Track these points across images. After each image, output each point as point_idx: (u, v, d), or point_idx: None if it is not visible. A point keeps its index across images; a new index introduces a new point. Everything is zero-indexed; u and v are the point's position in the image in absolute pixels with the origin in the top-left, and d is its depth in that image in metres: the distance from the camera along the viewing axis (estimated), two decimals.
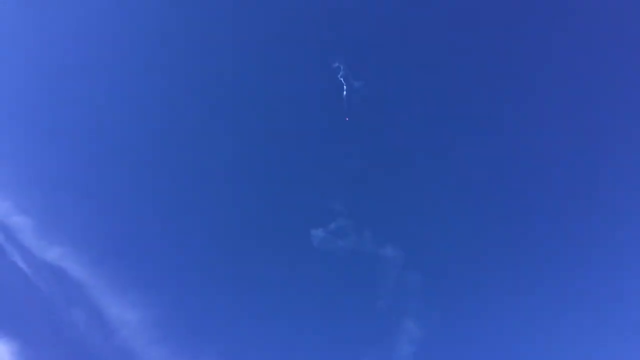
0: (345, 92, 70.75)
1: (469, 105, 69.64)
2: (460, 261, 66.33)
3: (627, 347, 60.06)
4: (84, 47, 69.74)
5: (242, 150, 69.97)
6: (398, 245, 65.86)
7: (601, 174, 66.14)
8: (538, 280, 64.79)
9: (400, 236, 66.95)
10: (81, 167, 67.18)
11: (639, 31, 66.32)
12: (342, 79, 70.96)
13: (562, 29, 68.58)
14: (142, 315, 62.44)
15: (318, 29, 72.36)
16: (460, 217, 67.56)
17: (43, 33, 69.75)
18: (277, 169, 69.84)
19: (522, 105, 68.58)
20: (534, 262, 65.20)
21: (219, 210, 68.44)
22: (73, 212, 65.01)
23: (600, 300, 62.95)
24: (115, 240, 65.28)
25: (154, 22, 72.24)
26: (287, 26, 72.41)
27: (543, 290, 64.36)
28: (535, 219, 66.58)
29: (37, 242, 63.59)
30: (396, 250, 65.62)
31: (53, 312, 62.36)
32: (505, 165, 68.35)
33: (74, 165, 67.32)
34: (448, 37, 70.85)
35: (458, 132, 69.29)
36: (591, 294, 63.32)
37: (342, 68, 70.58)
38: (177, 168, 68.64)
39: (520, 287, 64.64)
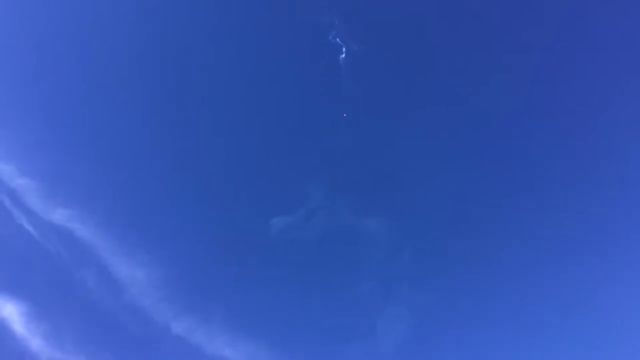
0: (343, 55, 71.44)
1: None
2: (450, 238, 66.58)
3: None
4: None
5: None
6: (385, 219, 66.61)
7: (597, 170, 65.94)
8: (536, 261, 64.20)
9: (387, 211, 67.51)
10: (85, 128, 67.74)
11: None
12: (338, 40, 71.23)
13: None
14: (150, 273, 63.55)
15: None
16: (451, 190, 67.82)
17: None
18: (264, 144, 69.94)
19: (526, 61, 68.66)
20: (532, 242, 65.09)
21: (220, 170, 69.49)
22: (78, 173, 65.60)
23: (597, 289, 62.46)
24: (122, 201, 66.18)
25: None
26: None
27: (540, 270, 64.01)
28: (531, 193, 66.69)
29: (43, 204, 64.21)
30: (381, 224, 66.23)
31: (61, 273, 63.11)
32: (500, 137, 68.75)
33: (78, 127, 67.85)
34: None
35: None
36: (585, 280, 63.15)
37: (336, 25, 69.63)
38: (182, 129, 69.36)
39: (517, 272, 64.21)
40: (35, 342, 59.58)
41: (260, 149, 69.28)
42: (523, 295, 62.93)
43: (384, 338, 61.36)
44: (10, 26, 69.05)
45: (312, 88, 70.93)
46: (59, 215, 64.08)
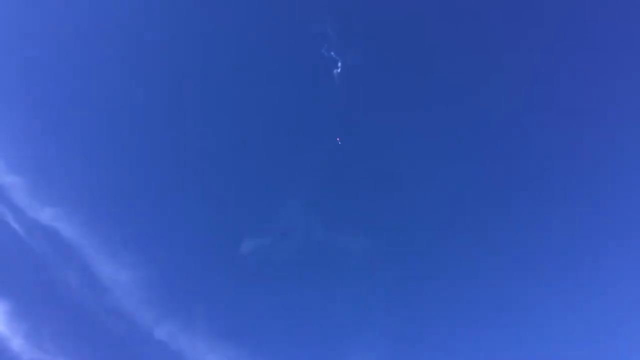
0: (339, 69, 70.69)
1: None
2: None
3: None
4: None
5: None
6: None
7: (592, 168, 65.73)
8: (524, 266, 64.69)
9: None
10: (73, 126, 67.17)
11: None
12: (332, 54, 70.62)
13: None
14: (134, 275, 63.33)
15: None
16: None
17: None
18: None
19: (523, 62, 68.02)
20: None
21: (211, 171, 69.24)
22: (66, 172, 65.09)
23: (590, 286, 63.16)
24: (108, 201, 65.80)
25: None
26: None
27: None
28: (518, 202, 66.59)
29: (30, 202, 63.62)
30: (360, 243, 65.93)
31: (46, 272, 62.60)
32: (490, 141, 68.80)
33: (66, 124, 67.22)
34: None
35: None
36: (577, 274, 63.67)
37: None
38: (172, 129, 69.10)
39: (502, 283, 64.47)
40: (16, 341, 59.18)
41: (247, 153, 69.36)
42: (510, 319, 63.24)
43: None
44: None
45: (301, 101, 70.42)
46: (46, 214, 63.69)
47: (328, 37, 67.74)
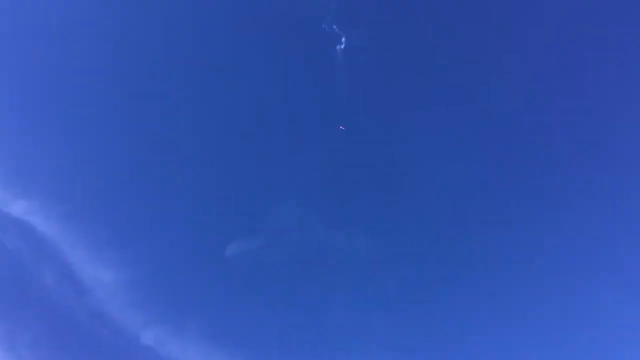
0: (342, 46, 65.09)
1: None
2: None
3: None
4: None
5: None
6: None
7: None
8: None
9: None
10: (48, 112, 61.01)
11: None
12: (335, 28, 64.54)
13: None
14: (118, 275, 57.77)
15: None
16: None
17: None
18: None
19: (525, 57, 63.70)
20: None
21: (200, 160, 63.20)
22: (42, 161, 59.26)
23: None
24: (89, 193, 59.73)
25: None
26: None
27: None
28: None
29: (2, 194, 57.87)
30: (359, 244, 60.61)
31: (19, 271, 57.23)
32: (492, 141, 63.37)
33: (40, 110, 60.96)
34: None
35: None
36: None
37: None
38: (158, 118, 62.87)
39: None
40: None
41: (238, 145, 63.15)
42: (513, 325, 58.27)
43: None
44: None
45: (297, 85, 64.24)
46: (19, 207, 58.00)
47: (331, 11, 62.49)
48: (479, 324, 58.31)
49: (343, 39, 64.20)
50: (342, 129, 62.51)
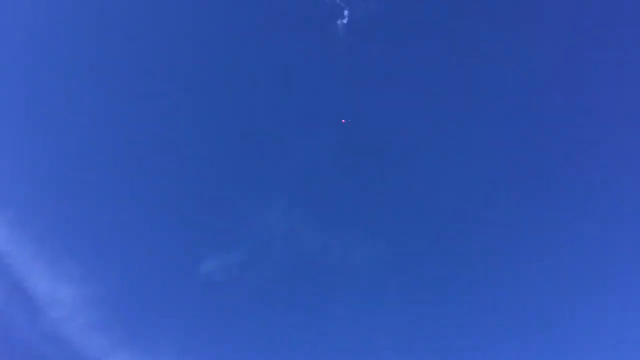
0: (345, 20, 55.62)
1: None
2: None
3: None
4: None
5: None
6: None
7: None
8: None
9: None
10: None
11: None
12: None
13: None
14: (78, 292, 49.28)
15: None
16: None
17: None
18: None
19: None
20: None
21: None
22: None
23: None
24: (45, 197, 51.40)
25: None
26: None
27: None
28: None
29: None
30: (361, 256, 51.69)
31: None
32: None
33: None
34: None
35: None
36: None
37: None
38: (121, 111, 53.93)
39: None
40: None
41: (219, 141, 54.23)
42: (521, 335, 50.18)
43: None
44: None
45: (288, 67, 55.12)
46: None
47: None
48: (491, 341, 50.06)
49: (346, 12, 55.27)
50: (344, 122, 52.99)
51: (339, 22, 55.28)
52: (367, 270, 49.96)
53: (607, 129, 54.27)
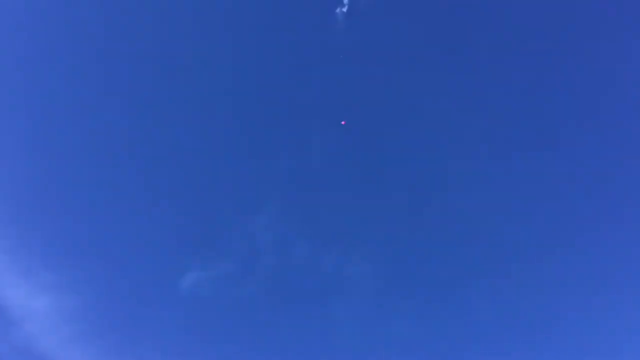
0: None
1: None
2: None
3: None
4: None
5: None
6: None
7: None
8: None
9: None
10: None
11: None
12: None
13: None
14: (54, 304, 45.94)
15: None
16: None
17: None
18: None
19: None
20: None
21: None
22: None
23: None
24: (17, 199, 47.62)
25: None
26: None
27: None
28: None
29: None
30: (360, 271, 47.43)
31: None
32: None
33: None
34: None
35: None
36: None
37: None
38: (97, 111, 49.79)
39: None
40: None
41: (201, 141, 49.91)
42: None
43: None
44: None
45: (279, 60, 50.66)
46: None
47: None
48: None
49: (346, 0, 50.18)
50: (343, 123, 48.52)
51: (338, 10, 50.69)
52: (362, 284, 45.76)
53: (608, 129, 50.38)
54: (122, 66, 49.88)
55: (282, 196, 46.94)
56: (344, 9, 50.29)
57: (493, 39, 51.35)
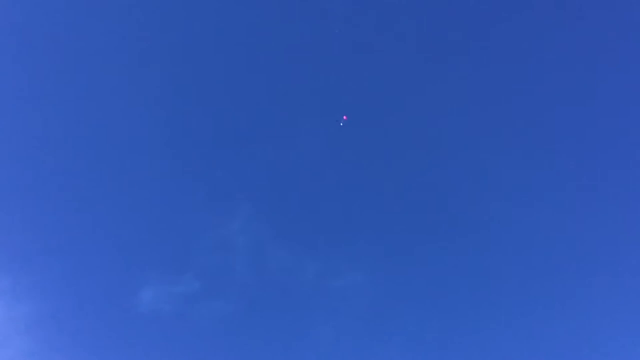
0: None
1: None
2: None
3: None
4: None
5: None
6: None
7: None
8: None
9: None
10: None
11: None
12: None
13: None
14: (12, 308, 42.15)
15: None
16: None
17: None
18: None
19: None
20: None
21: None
22: None
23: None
24: None
25: None
26: None
27: None
28: None
29: None
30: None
31: None
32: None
33: None
34: None
35: None
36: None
37: None
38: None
39: None
40: None
41: (166, 137, 45.55)
42: None
43: None
44: None
45: (262, 48, 46.82)
46: None
47: None
48: None
49: None
50: (342, 124, 42.92)
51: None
52: (347, 297, 40.61)
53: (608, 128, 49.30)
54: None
55: (256, 198, 41.66)
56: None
57: (493, 39, 50.15)
